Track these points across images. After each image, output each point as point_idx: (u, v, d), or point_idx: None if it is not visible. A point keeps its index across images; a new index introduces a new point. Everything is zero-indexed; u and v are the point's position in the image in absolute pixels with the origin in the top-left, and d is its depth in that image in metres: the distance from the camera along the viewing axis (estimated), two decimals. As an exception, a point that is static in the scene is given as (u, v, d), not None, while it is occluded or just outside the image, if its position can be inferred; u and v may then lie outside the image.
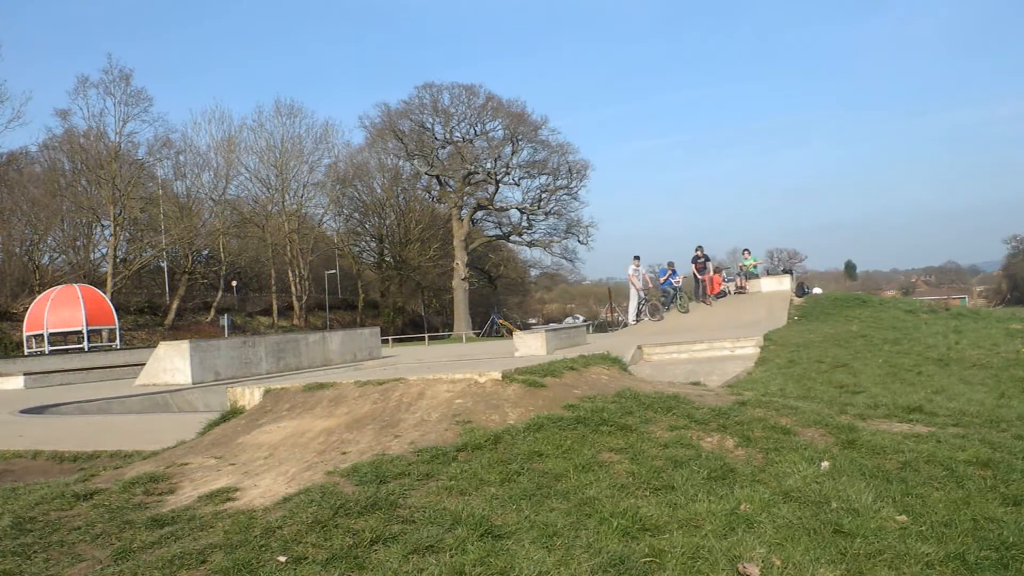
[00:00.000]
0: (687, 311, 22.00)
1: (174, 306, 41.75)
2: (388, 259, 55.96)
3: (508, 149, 51.62)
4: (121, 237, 40.66)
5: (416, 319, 55.36)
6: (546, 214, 54.03)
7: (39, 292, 29.04)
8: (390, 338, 36.58)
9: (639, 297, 21.73)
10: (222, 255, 45.53)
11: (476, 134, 51.70)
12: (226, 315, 41.29)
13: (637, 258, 22.37)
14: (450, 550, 2.55)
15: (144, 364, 13.36)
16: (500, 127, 51.49)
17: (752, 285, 25.14)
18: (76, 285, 25.63)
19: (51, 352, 21.77)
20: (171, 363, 12.61)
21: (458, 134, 51.54)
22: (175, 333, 37.23)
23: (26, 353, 23.55)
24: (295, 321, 48.41)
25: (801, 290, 24.50)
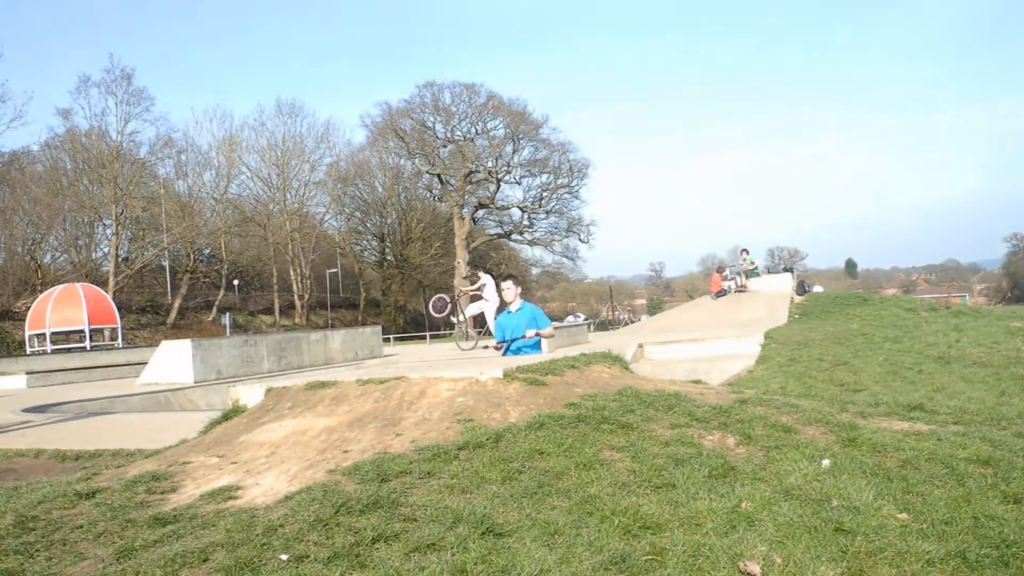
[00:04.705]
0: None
1: (176, 305, 41.81)
2: (390, 258, 56.01)
3: (509, 148, 51.67)
4: (123, 236, 40.77)
5: (418, 318, 55.40)
6: (547, 212, 54.09)
7: (41, 291, 29.09)
8: (391, 337, 36.63)
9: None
10: (224, 254, 45.62)
11: (477, 133, 51.72)
12: (228, 314, 41.35)
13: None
14: (451, 548, 2.56)
15: (146, 363, 13.38)
16: (501, 126, 51.54)
17: (753, 284, 25.16)
18: (78, 284, 25.66)
19: (53, 351, 21.80)
20: (173, 362, 12.62)
21: (459, 133, 51.56)
22: (177, 332, 37.29)
23: (28, 352, 23.59)
24: (297, 320, 48.48)
25: (802, 288, 24.52)
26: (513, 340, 7.21)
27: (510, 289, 7.30)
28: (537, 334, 7.22)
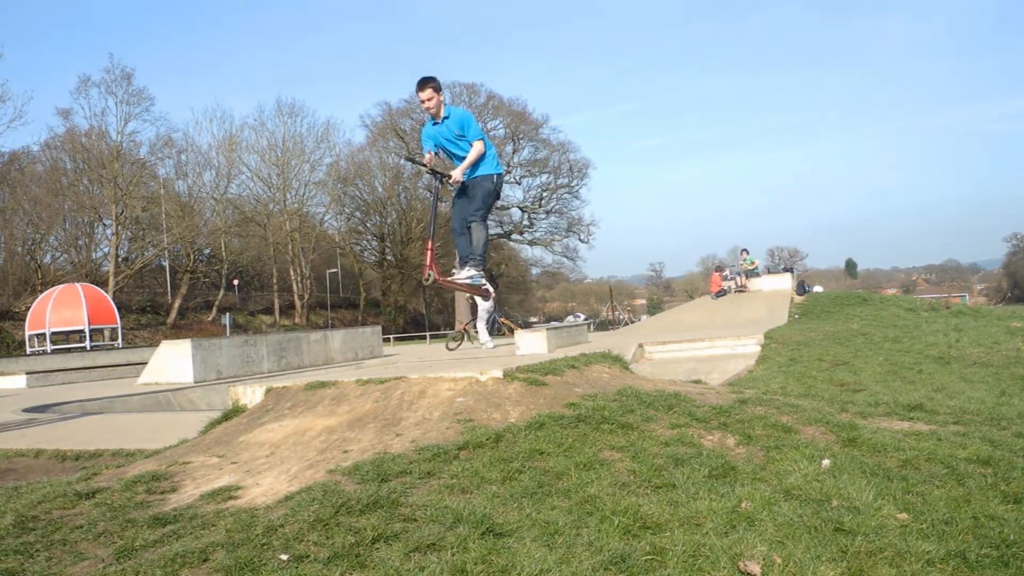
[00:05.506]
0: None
1: (176, 305, 41.82)
2: (389, 258, 55.99)
3: (509, 148, 51.69)
4: (123, 236, 40.77)
5: (418, 318, 55.36)
6: (547, 212, 54.13)
7: (41, 291, 29.10)
8: (391, 337, 36.64)
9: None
10: (224, 254, 45.62)
11: (477, 133, 51.63)
12: (228, 314, 41.34)
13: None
14: (452, 548, 2.56)
15: (146, 363, 13.37)
16: (501, 126, 51.58)
17: (753, 284, 25.17)
18: (78, 284, 25.67)
19: (53, 351, 21.79)
20: (173, 362, 12.61)
21: (459, 133, 51.48)
22: (177, 332, 37.28)
23: (28, 352, 23.59)
24: (297, 320, 48.47)
25: (802, 288, 24.54)
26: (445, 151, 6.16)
27: (431, 99, 5.92)
28: (463, 172, 5.99)
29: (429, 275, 6.10)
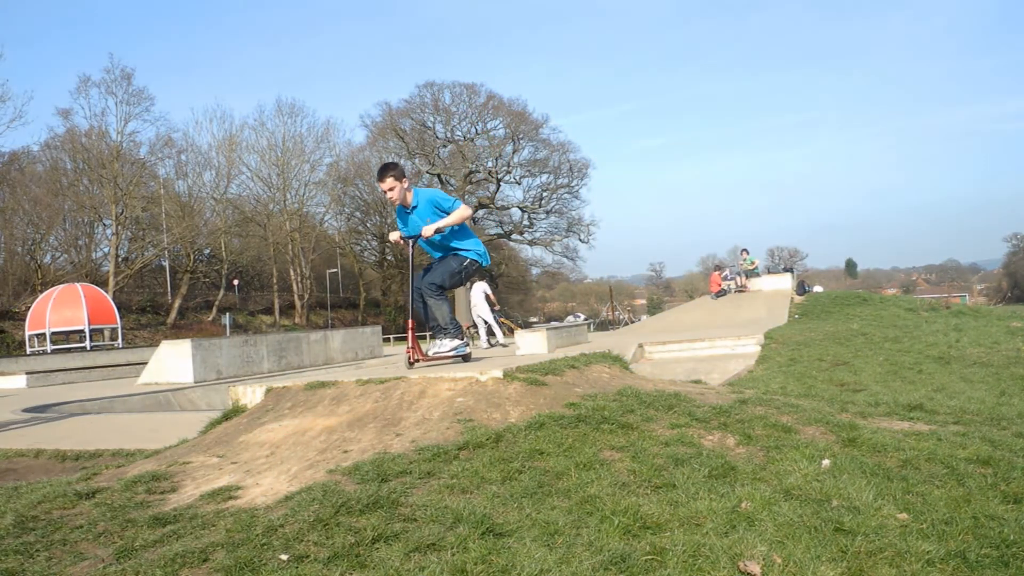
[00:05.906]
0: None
1: (176, 305, 41.83)
2: (390, 258, 56.00)
3: (509, 148, 51.70)
4: (123, 236, 40.78)
5: (418, 318, 55.36)
6: (547, 212, 54.13)
7: (41, 291, 29.11)
8: (391, 337, 36.59)
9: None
10: (224, 254, 45.63)
11: (477, 133, 51.77)
12: (228, 314, 41.35)
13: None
14: (451, 548, 2.56)
15: (146, 363, 13.37)
16: (501, 126, 51.58)
17: (753, 284, 25.18)
18: (78, 284, 25.67)
19: (53, 351, 21.80)
20: (173, 362, 12.62)
21: (459, 133, 51.59)
22: (177, 332, 37.28)
23: (28, 352, 23.59)
24: (297, 320, 48.48)
25: (802, 288, 24.55)
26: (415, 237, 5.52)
27: (394, 190, 5.30)
28: (437, 230, 5.34)
29: (410, 358, 5.50)
